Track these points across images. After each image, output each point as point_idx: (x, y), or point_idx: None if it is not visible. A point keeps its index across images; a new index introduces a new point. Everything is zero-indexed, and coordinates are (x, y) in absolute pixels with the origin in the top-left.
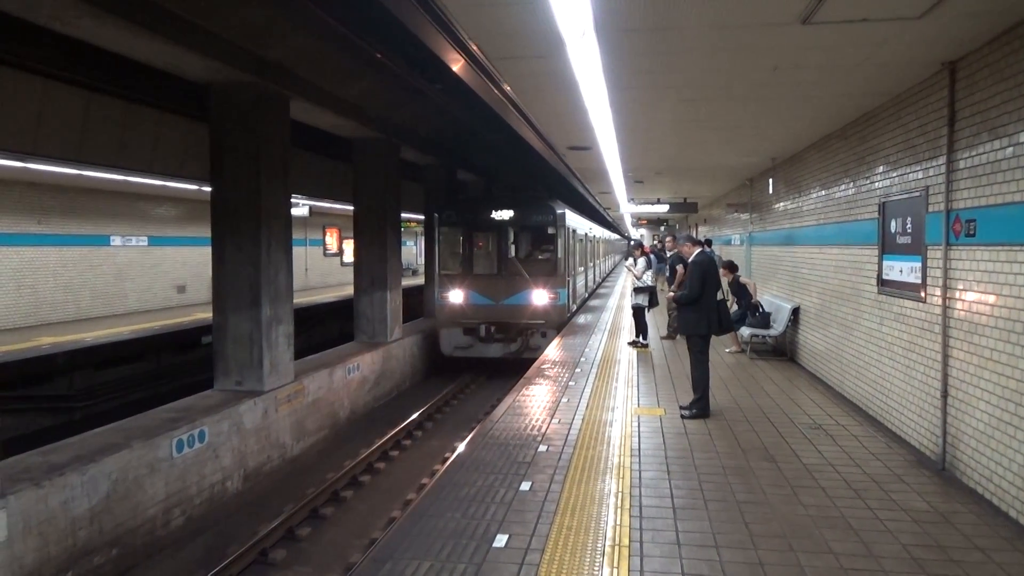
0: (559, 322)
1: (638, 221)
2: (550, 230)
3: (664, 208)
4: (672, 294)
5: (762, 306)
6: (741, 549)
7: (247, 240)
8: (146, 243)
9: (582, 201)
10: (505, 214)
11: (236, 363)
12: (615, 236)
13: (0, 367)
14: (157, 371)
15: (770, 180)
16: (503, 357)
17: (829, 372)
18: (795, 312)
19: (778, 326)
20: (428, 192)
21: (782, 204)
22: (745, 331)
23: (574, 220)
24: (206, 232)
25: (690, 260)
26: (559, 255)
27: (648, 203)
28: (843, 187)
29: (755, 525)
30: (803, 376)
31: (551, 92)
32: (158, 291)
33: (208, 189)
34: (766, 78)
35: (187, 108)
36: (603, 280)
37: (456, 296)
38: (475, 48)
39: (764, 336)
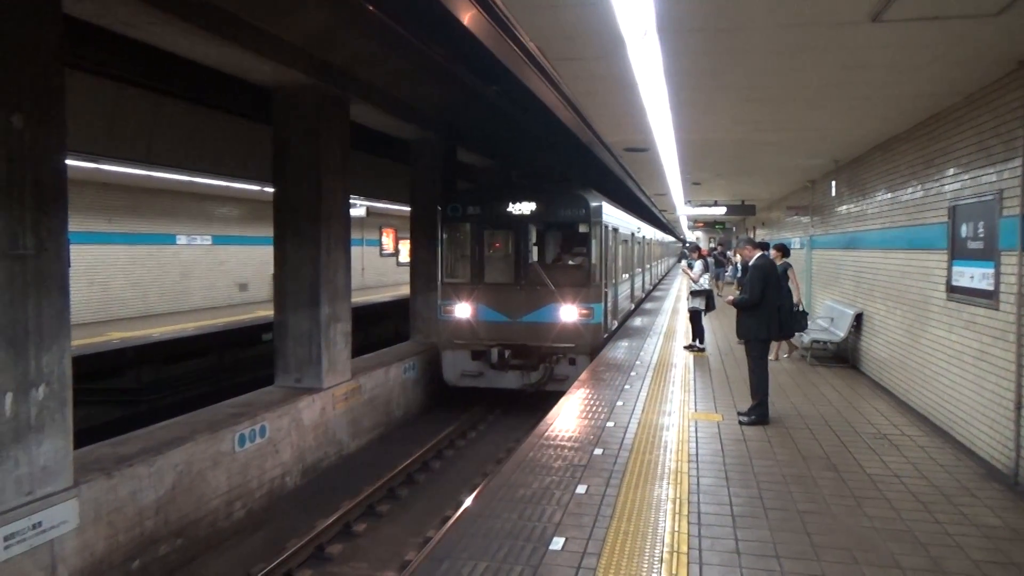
0: (593, 345)
1: (694, 224)
2: (582, 227)
3: (721, 210)
4: (730, 299)
5: (800, 305)
6: (803, 560)
7: (307, 240)
8: (210, 242)
9: (633, 200)
10: (524, 207)
11: (296, 360)
12: (670, 238)
13: (74, 361)
14: (219, 367)
15: (832, 182)
16: (521, 389)
17: (894, 380)
18: (858, 318)
19: (840, 332)
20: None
21: (845, 207)
22: (805, 337)
23: (614, 216)
24: (267, 232)
25: (750, 264)
26: (594, 259)
27: (705, 205)
28: (910, 190)
29: (817, 536)
30: (865, 384)
31: (609, 93)
32: (221, 289)
33: (269, 189)
34: (832, 78)
35: (249, 110)
36: (653, 288)
37: (463, 311)
38: (535, 49)
39: (825, 342)
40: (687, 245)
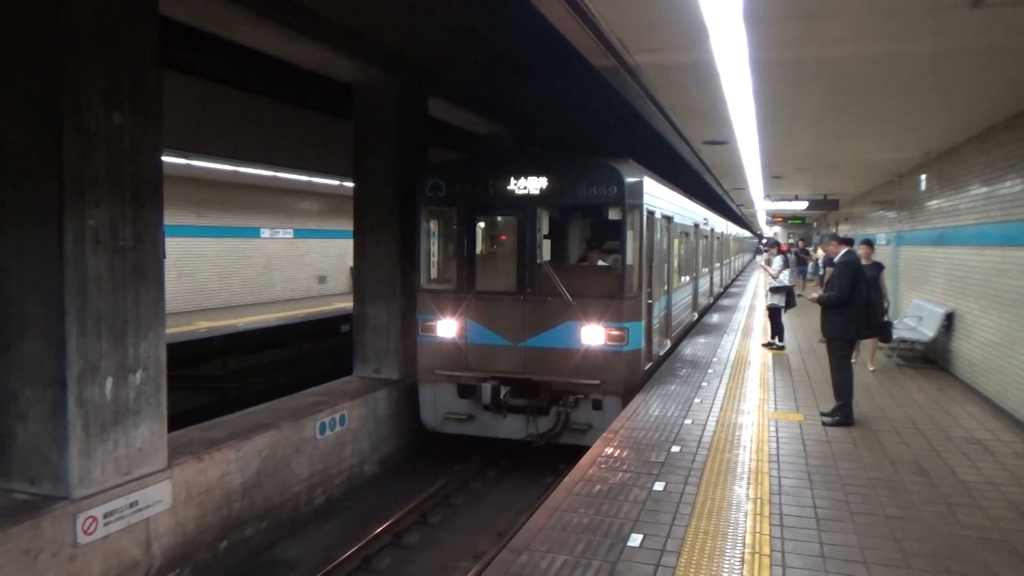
0: (628, 382)
1: (772, 218)
2: (613, 213)
3: (802, 205)
4: (814, 296)
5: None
6: (892, 567)
7: (386, 234)
8: (291, 235)
9: (709, 192)
10: (531, 184)
11: (374, 351)
12: (746, 233)
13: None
14: (300, 356)
15: (922, 176)
16: (526, 440)
17: (988, 383)
18: (948, 317)
19: (929, 332)
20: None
21: (935, 201)
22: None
23: (663, 198)
24: (345, 226)
25: (836, 260)
26: (630, 258)
27: (785, 199)
28: (1008, 183)
29: (907, 543)
30: (956, 386)
31: (690, 84)
32: (301, 281)
33: (349, 184)
34: (926, 66)
35: (330, 106)
36: (724, 291)
37: (447, 329)
38: (616, 41)
39: (913, 342)
40: (764, 241)
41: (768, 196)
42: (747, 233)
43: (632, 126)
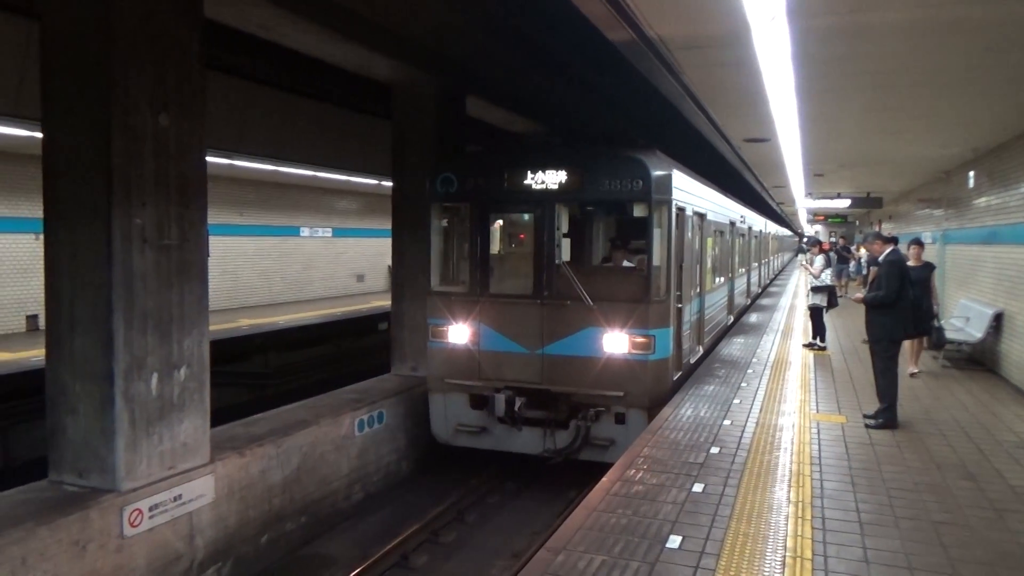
0: (654, 393)
1: (813, 217)
2: (639, 209)
3: (845, 203)
4: (859, 296)
5: (938, 319)
6: (939, 574)
7: (425, 232)
8: (330, 234)
9: (748, 190)
10: (550, 179)
11: (411, 350)
12: (786, 232)
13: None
14: (338, 354)
15: (971, 173)
16: (543, 456)
17: None
18: (997, 318)
19: (977, 333)
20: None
21: (984, 199)
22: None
23: (695, 193)
24: (383, 224)
25: (882, 259)
26: (657, 259)
27: (827, 197)
28: None
29: (955, 549)
30: (1006, 389)
31: (731, 81)
32: (340, 279)
33: (387, 183)
34: (976, 60)
35: (369, 106)
36: (762, 292)
37: (458, 334)
38: (656, 38)
39: (960, 343)
40: (806, 240)
41: (809, 194)
42: (787, 231)
43: (671, 124)
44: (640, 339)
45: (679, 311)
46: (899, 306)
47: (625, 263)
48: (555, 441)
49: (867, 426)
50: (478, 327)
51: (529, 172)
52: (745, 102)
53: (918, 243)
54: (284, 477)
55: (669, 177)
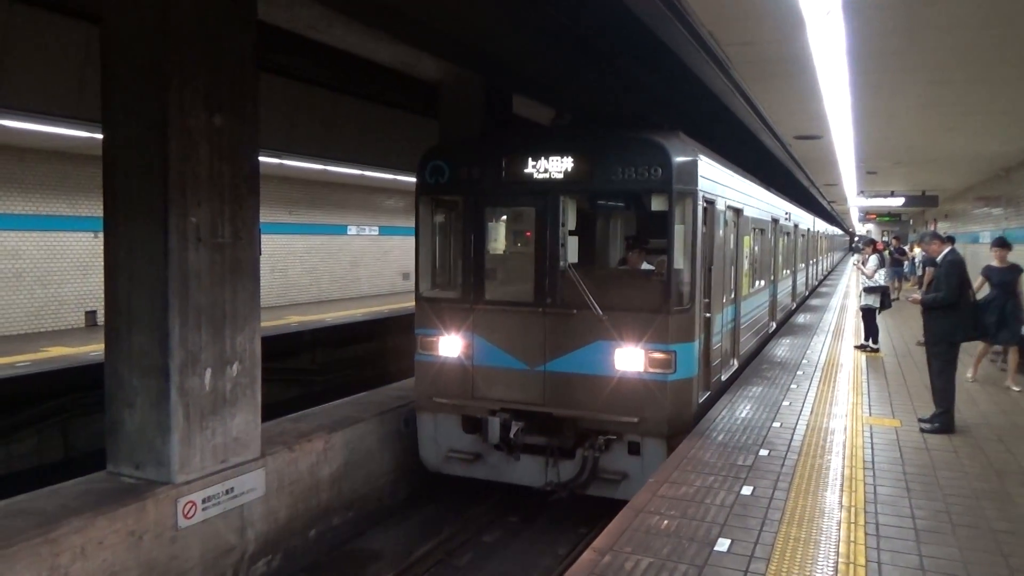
0: (673, 419)
1: (865, 215)
2: (657, 202)
3: (899, 201)
4: (916, 297)
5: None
6: None
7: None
8: (377, 233)
9: (799, 188)
10: (554, 166)
11: None
12: (837, 231)
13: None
14: (385, 351)
15: None
16: (546, 489)
17: None
18: None
19: None
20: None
21: None
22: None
23: (722, 183)
24: None
25: (940, 259)
26: (678, 260)
27: (880, 196)
28: None
29: (1015, 559)
30: None
31: (783, 78)
32: (386, 277)
33: None
34: None
35: (417, 105)
36: (811, 292)
37: (450, 347)
38: (707, 34)
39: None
40: (859, 239)
41: (862, 192)
42: (838, 231)
43: (720, 121)
44: (658, 355)
45: (708, 321)
46: (959, 308)
47: (644, 266)
48: (559, 473)
49: (922, 430)
50: (471, 339)
51: (530, 159)
52: (797, 98)
53: (1003, 244)
54: (332, 472)
55: (694, 164)
